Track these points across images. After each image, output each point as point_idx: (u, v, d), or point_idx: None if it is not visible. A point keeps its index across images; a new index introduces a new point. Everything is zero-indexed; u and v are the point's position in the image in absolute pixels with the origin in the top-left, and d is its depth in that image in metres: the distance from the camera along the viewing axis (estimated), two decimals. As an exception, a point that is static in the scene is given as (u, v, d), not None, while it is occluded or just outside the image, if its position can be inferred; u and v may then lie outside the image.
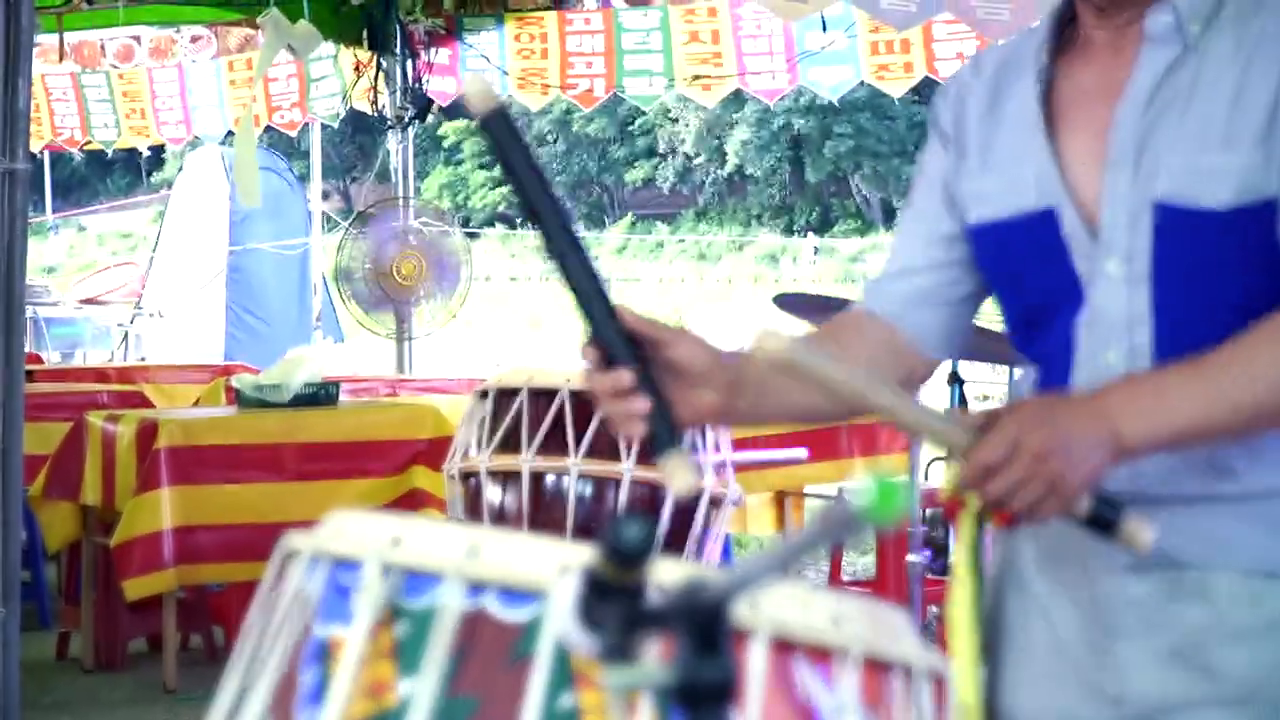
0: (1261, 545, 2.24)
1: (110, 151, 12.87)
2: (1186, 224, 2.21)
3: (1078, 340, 2.30)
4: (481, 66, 10.26)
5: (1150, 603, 2.27)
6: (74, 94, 11.99)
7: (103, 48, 11.51)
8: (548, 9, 9.92)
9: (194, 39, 11.23)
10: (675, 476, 2.14)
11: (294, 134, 12.05)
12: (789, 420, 2.39)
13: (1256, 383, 2.13)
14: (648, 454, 5.10)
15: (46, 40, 10.45)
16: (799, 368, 2.04)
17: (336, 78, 10.78)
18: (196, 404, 8.89)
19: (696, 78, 9.67)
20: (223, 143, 13.38)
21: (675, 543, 5.15)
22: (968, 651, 2.33)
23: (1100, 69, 2.33)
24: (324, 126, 14.84)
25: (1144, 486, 2.23)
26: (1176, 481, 2.24)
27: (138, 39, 11.39)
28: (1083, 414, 2.10)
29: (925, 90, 9.82)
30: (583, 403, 5.12)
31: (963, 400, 6.99)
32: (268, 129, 11.64)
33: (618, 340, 2.17)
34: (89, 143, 12.33)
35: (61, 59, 10.89)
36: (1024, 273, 2.37)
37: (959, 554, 2.36)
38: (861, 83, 9.38)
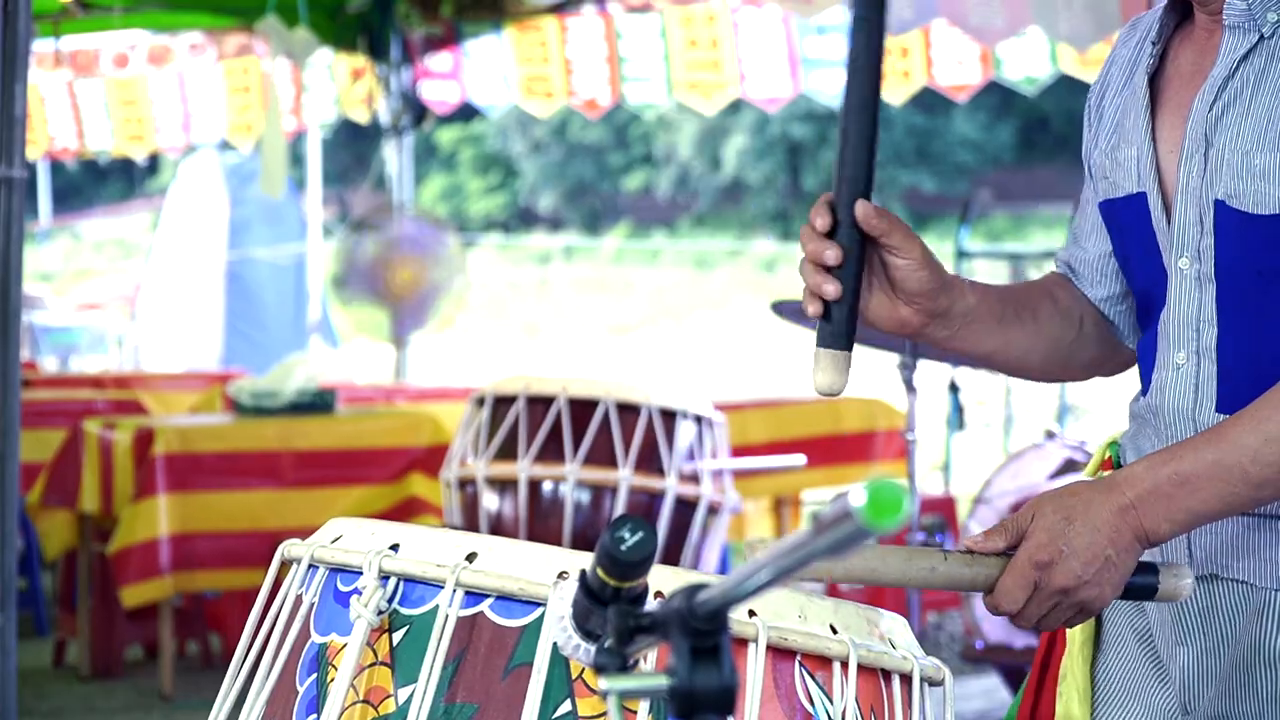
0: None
1: (104, 159, 12.86)
2: (1240, 226, 2.14)
3: (1159, 336, 2.24)
4: (484, 73, 10.26)
5: (1212, 613, 2.22)
6: (69, 101, 11.99)
7: (99, 55, 11.51)
8: (546, 14, 9.92)
9: (192, 46, 11.23)
10: (819, 372, 2.10)
11: (290, 141, 12.02)
12: (979, 362, 2.33)
13: (1271, 451, 2.04)
14: (643, 463, 5.12)
15: (42, 47, 10.46)
16: (852, 577, 2.02)
17: (331, 84, 10.77)
18: (193, 411, 8.88)
19: (696, 85, 9.67)
20: (221, 149, 13.37)
21: (673, 550, 5.15)
22: (1083, 633, 2.31)
23: (1197, 51, 2.25)
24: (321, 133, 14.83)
25: None
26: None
27: (134, 46, 11.39)
28: (1104, 523, 2.03)
29: (923, 98, 9.83)
30: (580, 410, 5.12)
31: (959, 408, 6.99)
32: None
33: (848, 219, 2.11)
34: (82, 151, 12.33)
35: (57, 65, 10.90)
36: (1130, 257, 2.31)
37: None
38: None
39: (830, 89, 9.38)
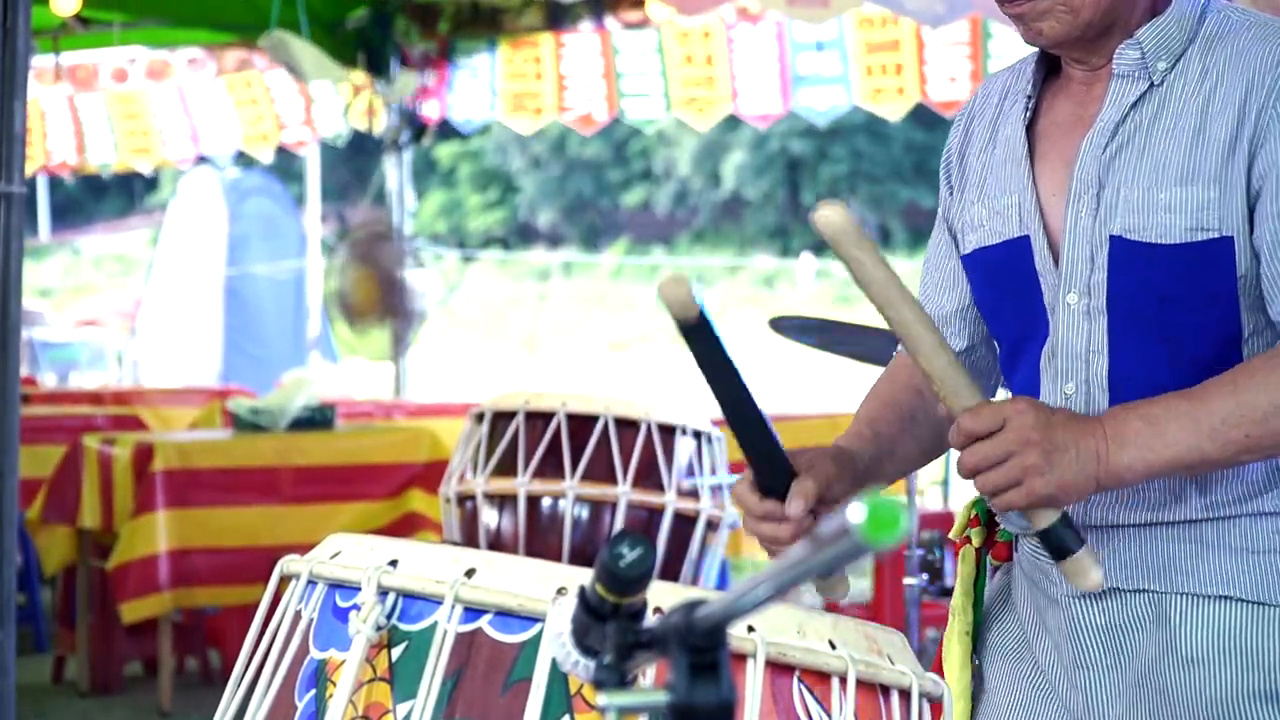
0: (1212, 568, 2.26)
1: (106, 174, 12.85)
2: (1141, 259, 2.24)
3: (1041, 370, 2.34)
4: (472, 88, 10.27)
5: (1112, 630, 2.30)
6: (70, 116, 11.99)
7: (98, 71, 11.51)
8: (542, 30, 9.93)
9: (190, 61, 11.23)
10: (826, 589, 2.24)
11: (304, 154, 12.03)
12: (891, 481, 2.50)
13: (1243, 412, 2.14)
14: (642, 478, 5.11)
15: (41, 63, 10.47)
16: (843, 246, 2.10)
17: (337, 98, 10.78)
18: (192, 427, 8.88)
19: (691, 101, 9.68)
20: (237, 160, 13.38)
21: (671, 566, 5.15)
22: (959, 685, 2.37)
23: (1075, 102, 2.36)
24: (321, 150, 14.86)
25: (1099, 511, 2.28)
26: (1131, 507, 2.28)
27: (133, 61, 11.39)
28: (1075, 426, 2.13)
29: (922, 114, 9.84)
30: (579, 426, 5.11)
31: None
32: (277, 149, 11.63)
33: (781, 486, 2.22)
34: (82, 166, 12.32)
35: (57, 81, 10.90)
36: (1003, 302, 2.40)
37: (957, 588, 2.42)
38: (855, 108, 9.37)
39: (820, 104, 9.40)
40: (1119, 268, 2.25)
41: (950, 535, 2.52)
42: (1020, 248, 2.34)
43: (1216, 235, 2.21)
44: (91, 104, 11.87)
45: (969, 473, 2.14)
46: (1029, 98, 2.39)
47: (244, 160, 12.59)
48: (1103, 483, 2.13)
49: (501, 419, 5.24)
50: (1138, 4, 2.30)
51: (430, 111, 10.49)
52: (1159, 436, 2.13)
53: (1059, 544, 2.14)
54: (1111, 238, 2.25)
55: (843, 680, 1.82)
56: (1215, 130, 2.23)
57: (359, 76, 10.39)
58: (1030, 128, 2.38)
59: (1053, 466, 2.10)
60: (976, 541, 2.46)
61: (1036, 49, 2.41)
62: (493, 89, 10.17)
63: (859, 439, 2.41)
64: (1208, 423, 2.13)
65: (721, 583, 5.88)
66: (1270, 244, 2.20)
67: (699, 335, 2.11)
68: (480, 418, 5.30)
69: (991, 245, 2.38)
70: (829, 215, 2.06)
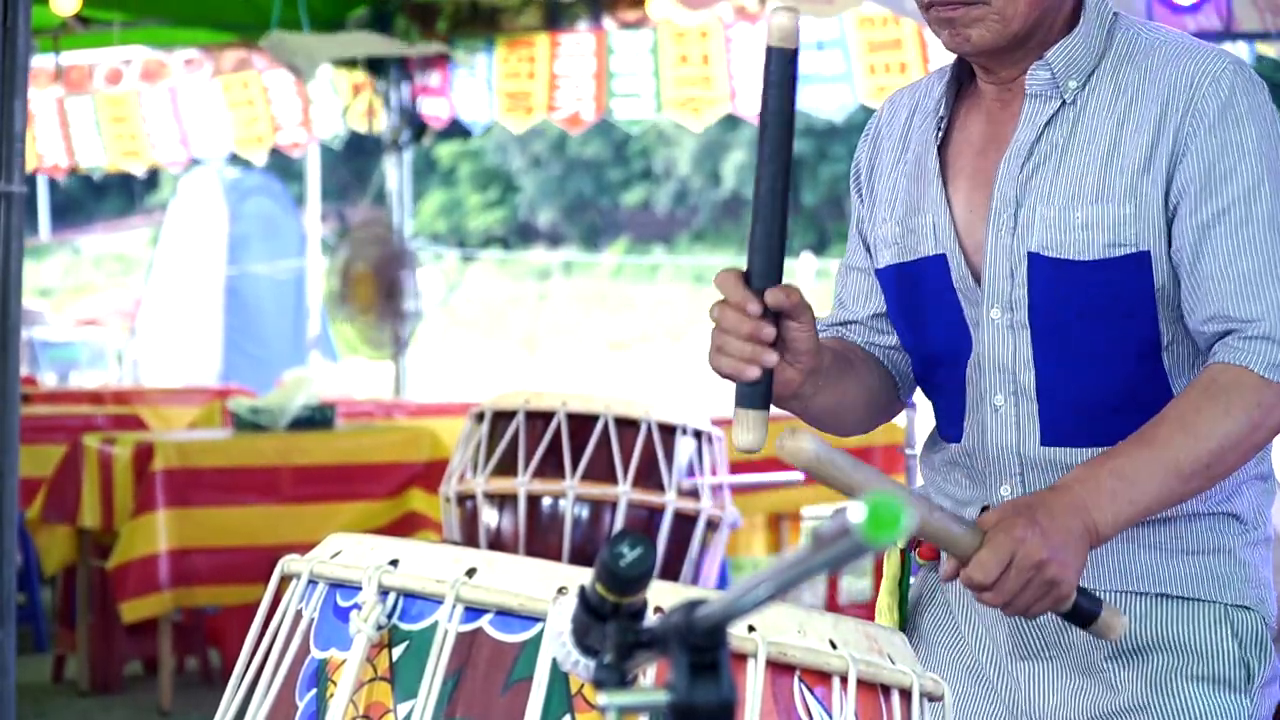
0: (1146, 568, 2.37)
1: (99, 175, 12.80)
2: (1058, 274, 2.31)
3: (967, 383, 2.40)
4: (471, 89, 10.27)
5: (1054, 623, 2.37)
6: (59, 119, 11.95)
7: (91, 72, 11.47)
8: (540, 31, 9.93)
9: (187, 62, 11.20)
10: (746, 432, 2.21)
11: (300, 156, 11.98)
12: (821, 420, 2.46)
13: (1199, 448, 2.22)
14: (642, 478, 5.11)
15: (38, 64, 10.46)
16: (821, 469, 2.12)
17: (336, 98, 10.77)
18: (193, 426, 8.88)
19: (686, 101, 9.68)
20: (231, 161, 13.37)
21: (672, 565, 5.15)
22: None
23: (989, 122, 2.41)
24: (320, 150, 14.84)
25: None
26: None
27: (129, 62, 11.36)
28: (1061, 513, 2.18)
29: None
30: (580, 425, 5.12)
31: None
32: (272, 151, 11.60)
33: (762, 289, 2.21)
34: (74, 168, 12.29)
35: (57, 80, 10.89)
36: (921, 318, 2.45)
37: (884, 588, 2.50)
38: (861, 106, 9.37)
39: (827, 104, 9.39)
40: (1038, 283, 2.32)
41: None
42: (937, 265, 2.40)
43: (1133, 250, 2.29)
44: (81, 107, 11.80)
45: (1000, 608, 2.19)
46: (941, 117, 2.43)
47: (238, 162, 12.56)
48: (1093, 547, 2.22)
49: (501, 419, 5.24)
50: (1057, 20, 2.36)
51: (439, 111, 10.48)
52: (1132, 488, 2.21)
53: (1086, 615, 2.21)
54: (1030, 254, 2.32)
55: (843, 680, 1.82)
56: (1129, 148, 2.30)
57: (359, 76, 10.40)
58: (942, 147, 2.43)
59: (1064, 567, 2.16)
60: (901, 542, 2.49)
61: (946, 67, 2.47)
62: (489, 86, 10.17)
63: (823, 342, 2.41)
64: (1173, 465, 2.22)
65: (721, 583, 5.88)
66: (1190, 257, 2.28)
67: (781, 70, 2.18)
68: (480, 417, 5.30)
69: (907, 262, 2.44)
70: (796, 448, 2.08)
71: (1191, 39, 2.38)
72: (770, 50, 2.16)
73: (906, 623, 2.48)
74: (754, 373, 2.20)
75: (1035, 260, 2.32)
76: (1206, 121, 2.28)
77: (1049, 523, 2.16)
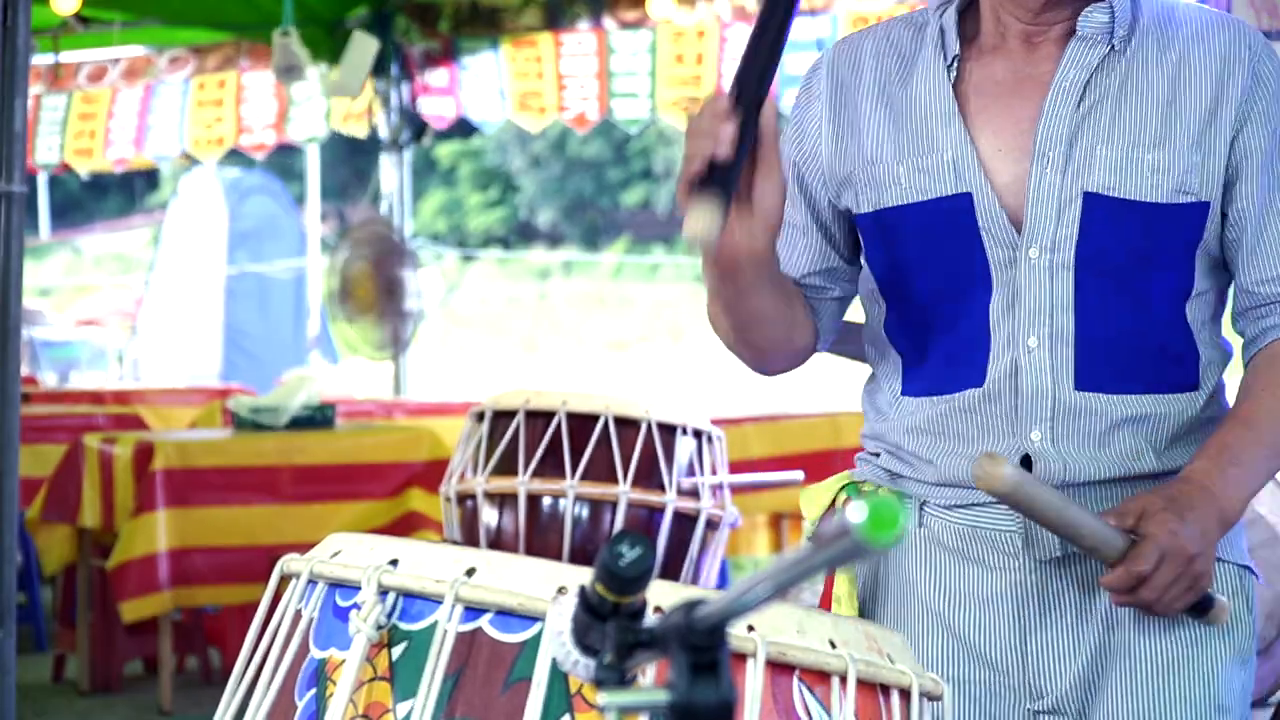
0: None
1: (48, 173, 12.64)
2: (1117, 215, 2.31)
3: (993, 325, 2.36)
4: (480, 88, 10.27)
5: (1072, 591, 2.37)
6: (31, 115, 11.80)
7: (77, 70, 11.37)
8: (542, 30, 9.93)
9: (172, 60, 11.10)
10: (695, 220, 2.11)
11: (263, 158, 11.82)
12: (745, 326, 2.41)
13: None
14: (642, 478, 5.11)
15: (40, 61, 10.44)
16: (1021, 497, 2.18)
17: (322, 99, 10.70)
18: (193, 426, 8.88)
19: (679, 101, 9.67)
20: (222, 163, 13.32)
21: (672, 565, 5.14)
22: None
23: (1016, 63, 2.40)
24: (320, 149, 14.82)
25: (1072, 473, 2.35)
26: (1097, 463, 2.35)
27: (117, 62, 11.26)
28: (1201, 505, 2.25)
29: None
30: (580, 425, 5.11)
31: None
32: (275, 151, 11.53)
33: (748, 103, 2.22)
34: (30, 169, 12.13)
35: (56, 80, 10.87)
36: (931, 258, 2.40)
37: (840, 576, 2.48)
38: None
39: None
40: (1091, 224, 2.32)
41: (811, 519, 2.58)
42: (958, 204, 2.36)
43: (1195, 200, 2.32)
44: (55, 104, 11.64)
45: (1146, 606, 2.25)
46: (956, 56, 2.41)
47: (195, 161, 12.41)
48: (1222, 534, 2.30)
49: (502, 418, 5.24)
50: None
51: (444, 110, 10.47)
52: (1246, 472, 2.29)
53: (1207, 604, 2.29)
54: (1085, 194, 2.31)
55: (843, 680, 1.82)
56: (1189, 101, 2.33)
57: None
58: (955, 86, 2.41)
59: (1208, 560, 2.25)
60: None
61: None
62: (500, 86, 10.16)
63: None
64: (1272, 444, 2.32)
65: (721, 582, 5.88)
66: (1258, 216, 2.33)
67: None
68: (480, 417, 5.30)
69: (917, 202, 2.39)
70: (998, 474, 2.16)
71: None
72: None
73: (863, 608, 2.48)
74: (699, 166, 2.13)
75: (1092, 200, 2.32)
76: (1271, 88, 2.35)
77: (1193, 515, 2.22)
